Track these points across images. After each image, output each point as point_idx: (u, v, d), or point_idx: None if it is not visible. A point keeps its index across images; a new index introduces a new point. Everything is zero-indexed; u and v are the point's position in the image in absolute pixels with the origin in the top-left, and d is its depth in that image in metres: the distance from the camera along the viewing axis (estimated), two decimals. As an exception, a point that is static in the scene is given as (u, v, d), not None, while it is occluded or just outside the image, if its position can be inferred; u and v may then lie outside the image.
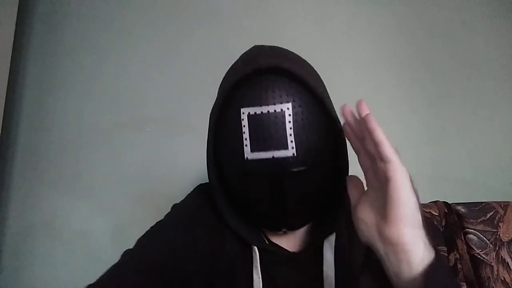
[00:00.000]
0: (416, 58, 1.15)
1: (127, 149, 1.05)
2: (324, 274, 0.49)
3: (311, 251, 0.52)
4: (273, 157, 0.44)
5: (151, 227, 0.54)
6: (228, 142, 0.48)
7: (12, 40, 1.01)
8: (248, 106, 0.45)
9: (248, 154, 0.45)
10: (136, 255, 0.48)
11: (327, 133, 0.48)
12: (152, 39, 1.11)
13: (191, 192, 0.59)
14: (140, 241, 0.51)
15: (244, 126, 0.45)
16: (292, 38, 1.09)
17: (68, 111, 1.07)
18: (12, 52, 1.01)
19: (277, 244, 0.54)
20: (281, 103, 0.45)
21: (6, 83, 1.00)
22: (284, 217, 0.49)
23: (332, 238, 0.52)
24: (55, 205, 1.02)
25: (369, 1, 1.17)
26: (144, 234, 0.53)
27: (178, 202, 0.58)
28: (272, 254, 0.52)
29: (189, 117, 1.06)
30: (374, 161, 0.39)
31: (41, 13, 1.13)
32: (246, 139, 0.45)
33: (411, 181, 0.37)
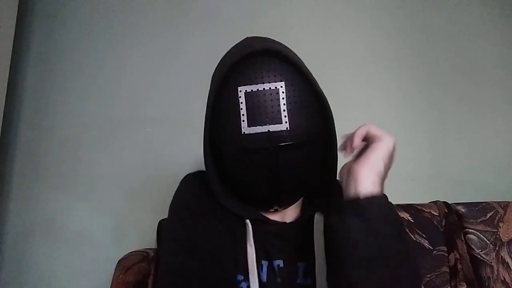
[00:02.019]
0: (416, 59, 1.15)
1: (127, 149, 1.05)
2: (315, 243, 0.53)
3: (303, 223, 0.56)
4: (268, 131, 0.48)
5: (169, 232, 0.56)
6: (226, 120, 0.51)
7: (12, 40, 1.01)
8: (244, 84, 0.49)
9: (245, 129, 0.49)
10: (180, 253, 0.51)
11: (317, 111, 0.52)
12: (152, 39, 1.11)
13: (179, 185, 0.61)
14: (171, 244, 0.53)
15: (241, 103, 0.49)
16: (293, 40, 1.08)
17: (68, 111, 1.07)
18: (12, 52, 1.01)
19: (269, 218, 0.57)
20: (275, 81, 0.49)
21: (6, 83, 1.00)
22: (277, 193, 0.53)
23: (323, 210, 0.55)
24: (55, 205, 1.02)
25: (369, 2, 1.17)
26: (167, 239, 0.56)
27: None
28: (264, 226, 0.55)
29: (189, 117, 1.06)
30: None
31: (41, 13, 1.13)
32: (243, 114, 0.49)
33: (394, 149, 0.48)
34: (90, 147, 1.05)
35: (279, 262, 0.53)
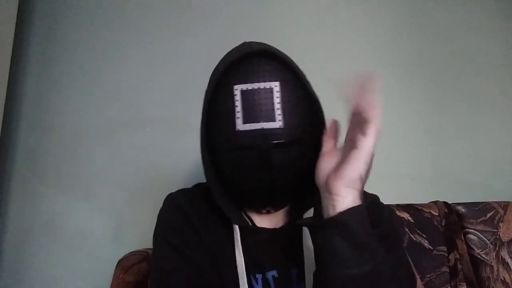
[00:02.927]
0: (416, 58, 1.15)
1: (127, 149, 1.05)
2: (304, 245, 0.53)
3: (292, 227, 0.55)
4: (262, 128, 0.49)
5: (155, 254, 0.56)
6: (221, 117, 0.52)
7: (12, 40, 1.01)
8: (240, 83, 0.50)
9: (240, 126, 0.50)
10: (168, 275, 0.51)
11: (309, 112, 0.53)
12: (152, 39, 1.11)
13: (163, 205, 0.60)
14: (162, 267, 0.53)
15: (236, 100, 0.50)
16: (293, 39, 1.09)
17: (68, 111, 1.07)
18: (12, 52, 1.01)
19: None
20: (270, 81, 0.50)
21: (6, 83, 1.00)
22: (270, 194, 0.53)
23: (311, 212, 0.55)
24: (55, 205, 1.02)
25: (369, 1, 1.17)
26: (156, 258, 0.56)
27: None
28: (253, 233, 0.55)
29: (189, 117, 1.06)
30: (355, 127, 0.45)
31: (41, 12, 1.13)
32: (238, 112, 0.50)
33: (372, 156, 0.44)
34: (90, 147, 1.05)
35: (273, 273, 0.54)
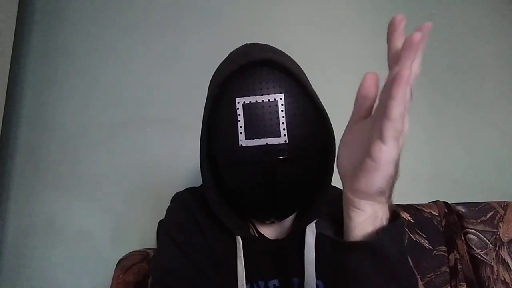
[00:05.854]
0: (416, 58, 1.15)
1: (127, 149, 1.05)
2: (305, 256, 0.51)
3: (295, 237, 0.54)
4: (266, 144, 0.47)
5: (160, 251, 0.57)
6: (223, 131, 0.50)
7: (12, 40, 1.01)
8: (243, 95, 0.48)
9: (243, 141, 0.47)
10: (171, 274, 0.51)
11: (316, 124, 0.51)
12: (153, 39, 1.12)
13: (170, 204, 0.61)
14: (163, 266, 0.53)
15: (239, 114, 0.47)
16: (292, 40, 1.09)
17: (68, 111, 1.07)
18: (12, 52, 1.01)
19: (261, 234, 0.56)
20: (274, 93, 0.48)
21: (6, 83, 1.00)
22: (274, 206, 0.51)
23: (314, 224, 0.54)
24: (55, 205, 1.02)
25: (368, 2, 1.17)
26: (158, 259, 0.56)
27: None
28: (256, 244, 0.54)
29: (189, 117, 1.06)
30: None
31: (41, 13, 1.13)
32: (241, 127, 0.47)
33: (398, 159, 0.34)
34: (90, 147, 1.05)
35: (275, 282, 0.53)
